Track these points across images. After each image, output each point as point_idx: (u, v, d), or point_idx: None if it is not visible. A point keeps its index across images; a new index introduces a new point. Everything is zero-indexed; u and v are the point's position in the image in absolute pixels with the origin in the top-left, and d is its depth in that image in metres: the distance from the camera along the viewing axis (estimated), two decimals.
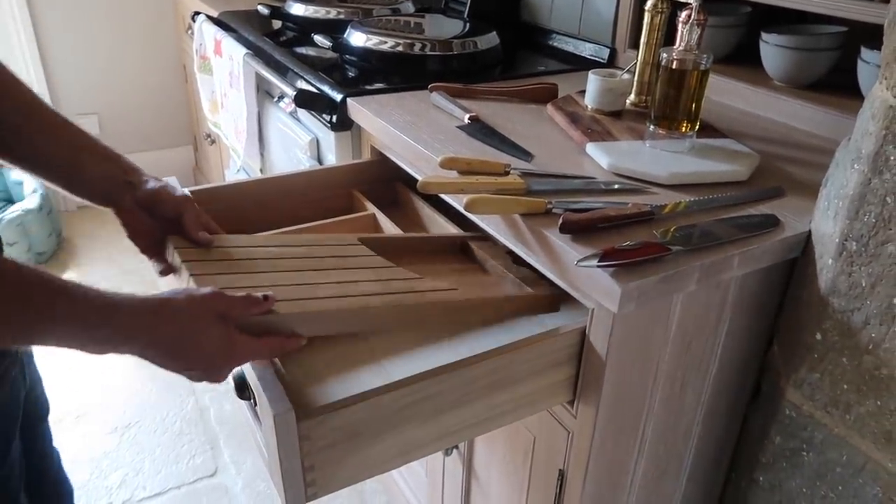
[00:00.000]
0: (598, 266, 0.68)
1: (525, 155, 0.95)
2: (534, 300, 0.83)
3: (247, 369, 0.68)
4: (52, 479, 0.83)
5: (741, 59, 1.27)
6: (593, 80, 1.06)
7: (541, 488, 0.93)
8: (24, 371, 0.71)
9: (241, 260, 0.74)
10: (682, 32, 0.92)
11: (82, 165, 0.70)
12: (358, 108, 1.17)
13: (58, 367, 1.94)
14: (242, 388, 0.71)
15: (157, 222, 0.73)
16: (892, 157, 0.65)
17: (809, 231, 0.77)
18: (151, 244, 0.75)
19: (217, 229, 0.78)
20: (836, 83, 1.14)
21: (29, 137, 0.68)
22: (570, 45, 1.55)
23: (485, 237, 0.86)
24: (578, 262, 0.69)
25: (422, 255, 0.91)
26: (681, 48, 0.91)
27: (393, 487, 1.46)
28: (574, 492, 0.86)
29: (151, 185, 0.73)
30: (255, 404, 0.69)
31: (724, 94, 1.21)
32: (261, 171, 1.72)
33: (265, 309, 0.65)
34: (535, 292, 0.83)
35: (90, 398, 1.84)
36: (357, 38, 1.41)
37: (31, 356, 0.75)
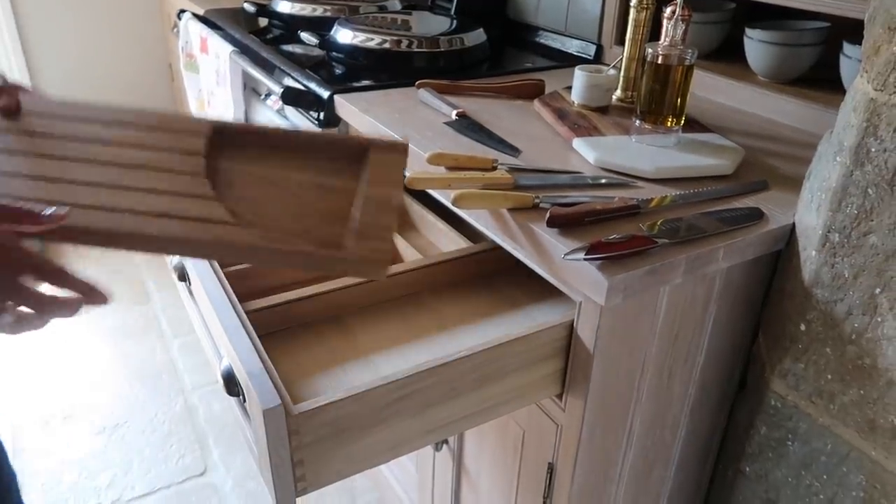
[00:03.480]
0: (585, 259, 0.68)
1: (512, 150, 0.96)
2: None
3: (235, 365, 0.68)
4: None
5: (725, 54, 1.28)
6: (580, 76, 1.07)
7: (530, 481, 0.94)
8: None
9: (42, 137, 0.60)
10: (667, 28, 0.92)
11: None
12: (345, 105, 1.17)
13: (45, 368, 1.92)
14: (231, 385, 0.71)
15: None
16: (872, 149, 0.65)
17: (793, 223, 0.78)
18: None
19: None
20: (819, 78, 1.15)
21: None
22: (556, 42, 1.56)
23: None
24: (565, 255, 0.69)
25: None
26: (666, 43, 0.92)
27: (383, 483, 1.47)
28: (563, 484, 0.86)
29: None
30: (245, 400, 0.69)
31: (709, 89, 1.22)
32: None
33: (44, 228, 0.49)
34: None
35: (78, 398, 1.82)
36: (344, 36, 1.41)
37: None
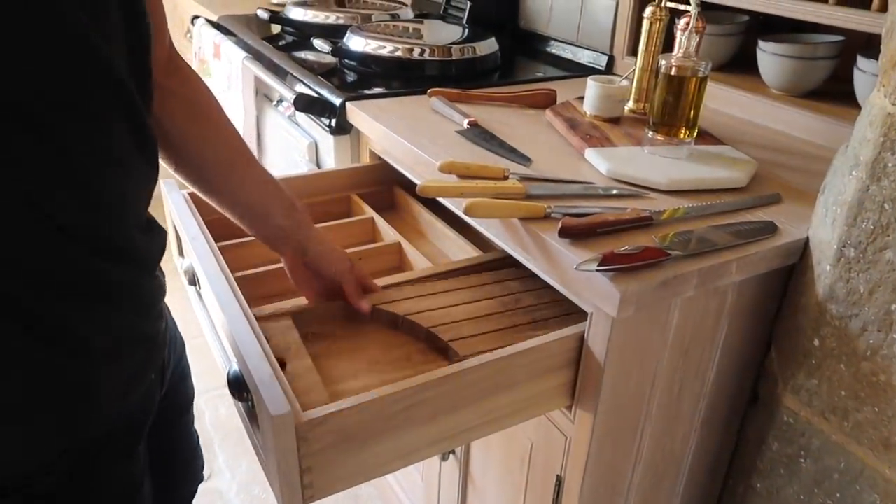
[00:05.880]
0: (598, 270, 0.68)
1: (524, 160, 0.96)
2: None
3: (244, 370, 0.68)
4: (183, 459, 0.86)
5: (738, 67, 1.28)
6: (592, 87, 1.06)
7: (538, 494, 0.93)
8: (165, 372, 0.72)
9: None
10: (681, 40, 0.92)
11: (267, 217, 0.77)
12: (357, 113, 1.17)
13: None
14: (240, 390, 0.71)
15: (319, 280, 0.81)
16: (890, 164, 0.65)
17: (807, 238, 0.78)
18: (312, 295, 0.82)
19: (376, 288, 0.83)
20: (832, 92, 1.15)
21: (231, 183, 0.75)
22: (568, 52, 1.56)
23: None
24: (577, 266, 0.69)
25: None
26: (679, 55, 0.92)
27: (388, 492, 1.46)
28: (571, 498, 0.85)
29: (317, 250, 0.79)
30: (253, 406, 0.68)
31: (722, 102, 1.22)
32: None
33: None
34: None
35: None
36: (356, 43, 1.42)
37: (183, 351, 0.78)
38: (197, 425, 1.68)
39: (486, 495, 1.07)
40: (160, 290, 0.64)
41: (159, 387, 0.70)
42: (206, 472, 1.61)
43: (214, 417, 1.77)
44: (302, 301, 0.82)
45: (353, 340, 0.77)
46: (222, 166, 0.74)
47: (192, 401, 0.85)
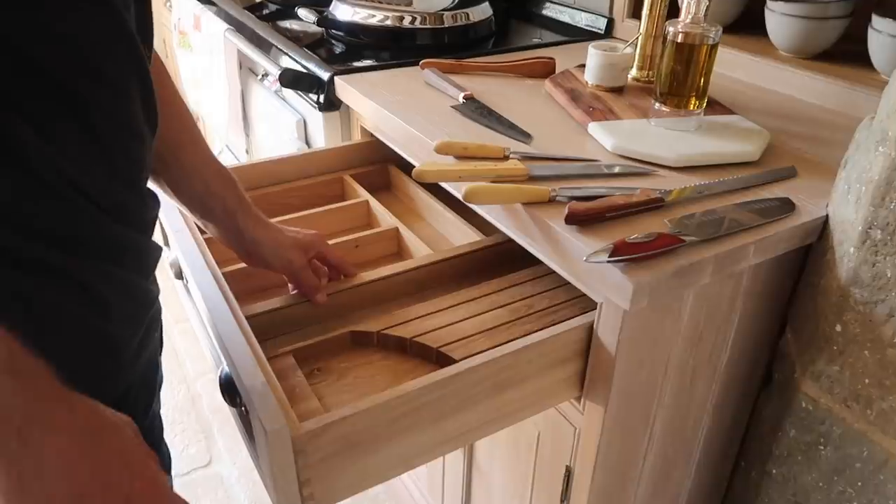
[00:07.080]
0: (609, 262, 0.63)
1: (524, 136, 0.91)
2: None
3: (235, 377, 0.64)
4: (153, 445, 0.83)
5: (745, 28, 1.22)
6: (594, 55, 1.01)
7: (546, 482, 0.90)
8: (162, 334, 0.70)
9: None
10: (689, 3, 0.86)
11: (211, 214, 0.75)
12: (346, 88, 1.11)
13: None
14: (232, 395, 0.67)
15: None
16: None
17: (827, 216, 0.73)
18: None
19: (351, 271, 0.83)
20: (845, 53, 1.09)
21: (175, 167, 0.71)
22: (564, 15, 1.49)
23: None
24: (587, 258, 0.64)
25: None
26: (687, 21, 0.86)
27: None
28: (582, 487, 0.83)
29: (257, 239, 0.76)
30: (247, 412, 0.65)
31: (727, 65, 1.16)
32: (246, 151, 1.66)
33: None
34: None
35: None
36: (343, 12, 1.35)
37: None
38: (194, 410, 1.63)
39: (493, 482, 1.04)
40: (158, 251, 0.63)
41: (160, 347, 0.69)
42: (206, 458, 1.60)
43: (212, 401, 1.74)
44: (304, 335, 0.77)
45: (361, 371, 0.73)
46: (169, 147, 0.69)
47: (160, 385, 0.82)
